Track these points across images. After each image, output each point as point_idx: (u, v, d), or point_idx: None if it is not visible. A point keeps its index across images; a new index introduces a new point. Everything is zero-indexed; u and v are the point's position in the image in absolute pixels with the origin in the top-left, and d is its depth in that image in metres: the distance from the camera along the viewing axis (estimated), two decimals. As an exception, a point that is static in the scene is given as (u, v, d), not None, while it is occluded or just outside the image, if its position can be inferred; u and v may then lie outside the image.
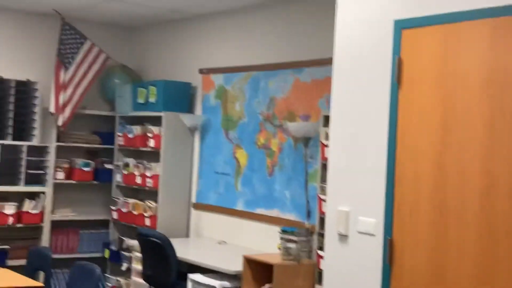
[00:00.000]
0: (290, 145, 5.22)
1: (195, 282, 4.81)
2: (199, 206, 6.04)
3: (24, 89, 6.34)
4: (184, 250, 5.26)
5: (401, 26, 3.10)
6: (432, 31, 2.98)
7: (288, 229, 4.71)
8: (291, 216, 5.12)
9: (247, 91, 5.67)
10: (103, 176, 6.65)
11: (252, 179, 5.55)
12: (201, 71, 6.15)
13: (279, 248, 4.69)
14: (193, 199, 6.09)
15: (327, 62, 4.03)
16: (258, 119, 5.55)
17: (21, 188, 6.23)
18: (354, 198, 3.26)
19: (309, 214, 4.79)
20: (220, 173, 5.86)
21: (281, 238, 4.67)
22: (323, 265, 3.56)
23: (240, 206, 5.64)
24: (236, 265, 4.70)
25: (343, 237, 3.30)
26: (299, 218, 4.98)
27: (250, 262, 4.59)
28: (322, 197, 4.42)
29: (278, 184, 5.29)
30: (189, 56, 6.38)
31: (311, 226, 4.71)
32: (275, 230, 4.96)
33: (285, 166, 5.24)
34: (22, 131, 6.33)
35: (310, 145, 4.84)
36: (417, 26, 3.03)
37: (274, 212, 5.29)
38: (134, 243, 5.53)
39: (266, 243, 5.20)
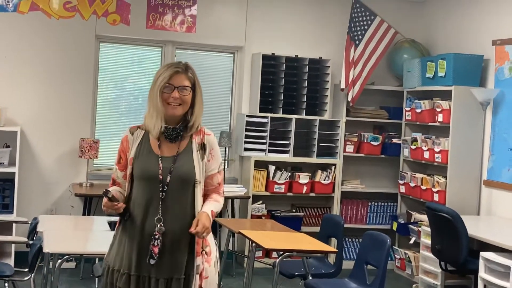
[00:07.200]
0: None
1: (487, 260, 4.67)
2: (490, 184, 5.81)
3: (317, 67, 6.70)
4: (474, 227, 5.13)
5: None
6: None
7: None
8: None
9: (547, 61, 5.28)
10: (390, 150, 6.75)
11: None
12: (494, 43, 5.87)
13: None
14: (484, 176, 5.88)
15: None
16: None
17: (314, 159, 6.62)
18: None
19: None
20: (515, 149, 5.57)
21: None
22: None
23: (537, 185, 5.30)
24: (533, 246, 4.46)
25: None
26: None
27: (550, 244, 4.32)
28: None
29: None
30: (480, 27, 6.12)
31: None
32: None
33: None
34: (314, 106, 6.71)
35: None
36: None
37: None
38: (423, 217, 5.55)
39: None
